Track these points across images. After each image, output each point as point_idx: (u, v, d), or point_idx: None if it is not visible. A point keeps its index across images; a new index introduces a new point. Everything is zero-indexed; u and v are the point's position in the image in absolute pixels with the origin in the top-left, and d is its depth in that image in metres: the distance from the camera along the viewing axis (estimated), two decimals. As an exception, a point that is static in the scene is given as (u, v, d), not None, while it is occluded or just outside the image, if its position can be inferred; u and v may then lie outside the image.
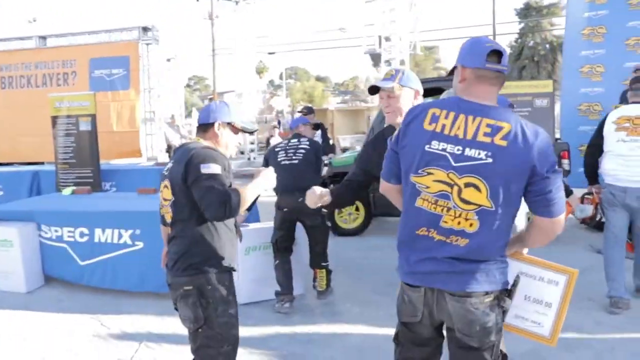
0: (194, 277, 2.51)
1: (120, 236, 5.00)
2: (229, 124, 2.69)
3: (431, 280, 2.04)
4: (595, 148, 4.78)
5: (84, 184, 7.45)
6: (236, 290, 2.58)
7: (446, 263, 1.99)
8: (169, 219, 2.62)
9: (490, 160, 1.91)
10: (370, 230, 7.65)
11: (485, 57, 1.99)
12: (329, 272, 4.91)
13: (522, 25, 39.36)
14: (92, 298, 4.99)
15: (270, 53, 40.27)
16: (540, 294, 2.21)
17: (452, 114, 1.99)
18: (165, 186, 2.59)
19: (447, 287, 2.01)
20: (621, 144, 4.52)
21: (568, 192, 3.96)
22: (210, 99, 39.53)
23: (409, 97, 2.74)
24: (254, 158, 16.64)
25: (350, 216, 7.50)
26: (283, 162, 4.75)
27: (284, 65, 52.78)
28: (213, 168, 2.43)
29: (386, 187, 2.26)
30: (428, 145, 1.99)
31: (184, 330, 2.66)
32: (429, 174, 1.99)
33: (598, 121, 7.34)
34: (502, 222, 1.97)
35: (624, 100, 6.88)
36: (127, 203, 5.61)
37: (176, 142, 13.65)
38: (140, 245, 4.97)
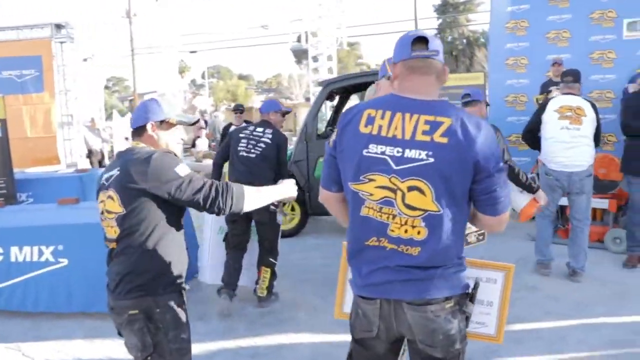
0: (140, 299, 2.22)
1: (40, 253, 4.52)
2: (162, 122, 2.40)
3: (386, 291, 1.89)
4: (535, 132, 5.20)
5: (-5, 197, 6.82)
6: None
7: (401, 271, 1.86)
8: (112, 234, 2.28)
9: (431, 160, 1.78)
10: (307, 231, 7.46)
11: (410, 46, 1.87)
12: (273, 275, 4.68)
13: (441, 21, 40.52)
14: (10, 325, 4.48)
15: (191, 52, 39.31)
16: (481, 294, 2.14)
17: (388, 114, 1.85)
18: (110, 197, 2.26)
19: (403, 297, 1.86)
20: (564, 132, 4.87)
21: (535, 189, 3.99)
22: (131, 101, 37.99)
23: None
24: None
25: (286, 217, 7.28)
26: (241, 153, 4.59)
27: (206, 64, 51.60)
28: (185, 168, 2.26)
29: (326, 196, 2.10)
30: (366, 150, 1.85)
31: (118, 353, 2.38)
32: (371, 180, 1.85)
33: (525, 112, 7.62)
34: (453, 226, 1.84)
35: (544, 91, 7.16)
36: (47, 216, 5.11)
37: (97, 146, 12.93)
38: (64, 262, 4.52)
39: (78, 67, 13.02)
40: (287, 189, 2.53)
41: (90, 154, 12.67)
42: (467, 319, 1.95)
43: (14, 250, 4.55)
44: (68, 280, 4.50)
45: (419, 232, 1.82)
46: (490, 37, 8.90)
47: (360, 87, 8.48)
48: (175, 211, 2.31)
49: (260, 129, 4.67)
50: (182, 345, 2.28)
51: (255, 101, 40.44)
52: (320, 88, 8.02)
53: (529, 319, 4.06)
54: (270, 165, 4.55)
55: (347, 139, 1.91)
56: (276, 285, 4.77)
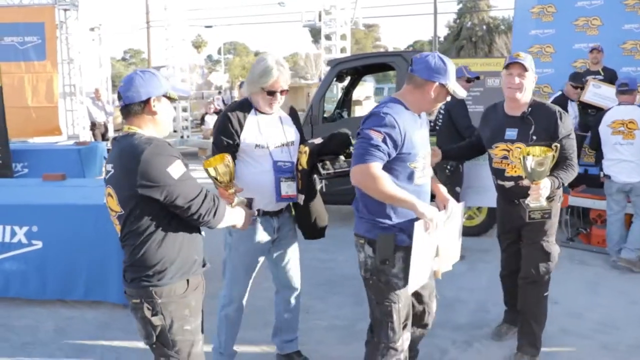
0: (143, 288, 2.15)
1: (13, 234, 4.17)
2: (164, 96, 2.22)
3: None
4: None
5: (-10, 166, 6.51)
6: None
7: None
8: (118, 230, 2.22)
9: None
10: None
11: None
12: None
13: (461, 5, 39.64)
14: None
15: (207, 26, 38.87)
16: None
17: None
18: (109, 194, 2.18)
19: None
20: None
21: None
22: (143, 73, 37.23)
23: (533, 80, 3.06)
24: (188, 136, 15.66)
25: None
26: None
27: (223, 39, 51.10)
28: (179, 166, 2.07)
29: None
30: None
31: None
32: None
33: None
34: None
35: (580, 82, 6.57)
36: (25, 193, 4.74)
37: (101, 119, 12.56)
38: (38, 244, 4.17)
39: (84, 37, 12.62)
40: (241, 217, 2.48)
41: (93, 126, 12.34)
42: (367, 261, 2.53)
43: (-15, 229, 4.20)
44: (42, 265, 4.16)
45: None
46: (514, 22, 8.38)
47: (372, 69, 8.00)
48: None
49: None
50: (185, 337, 2.20)
51: (270, 80, 39.71)
52: (329, 68, 7.53)
53: (544, 337, 3.60)
54: None
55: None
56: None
